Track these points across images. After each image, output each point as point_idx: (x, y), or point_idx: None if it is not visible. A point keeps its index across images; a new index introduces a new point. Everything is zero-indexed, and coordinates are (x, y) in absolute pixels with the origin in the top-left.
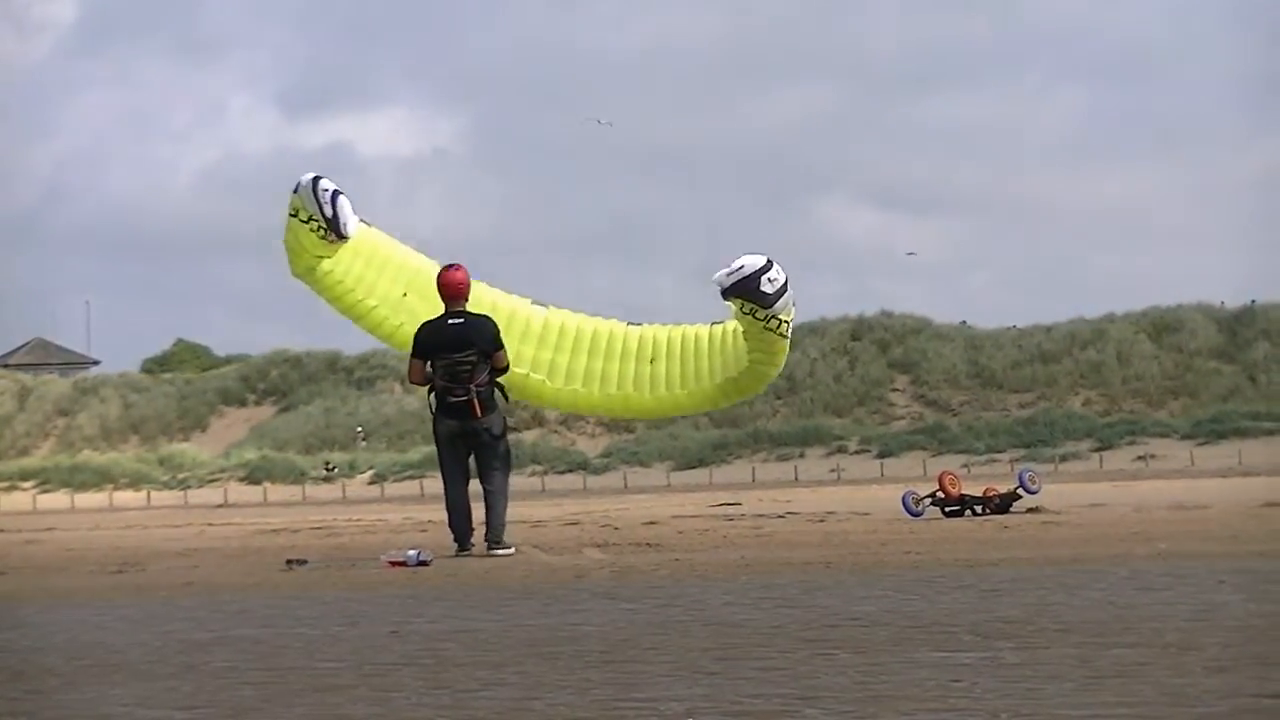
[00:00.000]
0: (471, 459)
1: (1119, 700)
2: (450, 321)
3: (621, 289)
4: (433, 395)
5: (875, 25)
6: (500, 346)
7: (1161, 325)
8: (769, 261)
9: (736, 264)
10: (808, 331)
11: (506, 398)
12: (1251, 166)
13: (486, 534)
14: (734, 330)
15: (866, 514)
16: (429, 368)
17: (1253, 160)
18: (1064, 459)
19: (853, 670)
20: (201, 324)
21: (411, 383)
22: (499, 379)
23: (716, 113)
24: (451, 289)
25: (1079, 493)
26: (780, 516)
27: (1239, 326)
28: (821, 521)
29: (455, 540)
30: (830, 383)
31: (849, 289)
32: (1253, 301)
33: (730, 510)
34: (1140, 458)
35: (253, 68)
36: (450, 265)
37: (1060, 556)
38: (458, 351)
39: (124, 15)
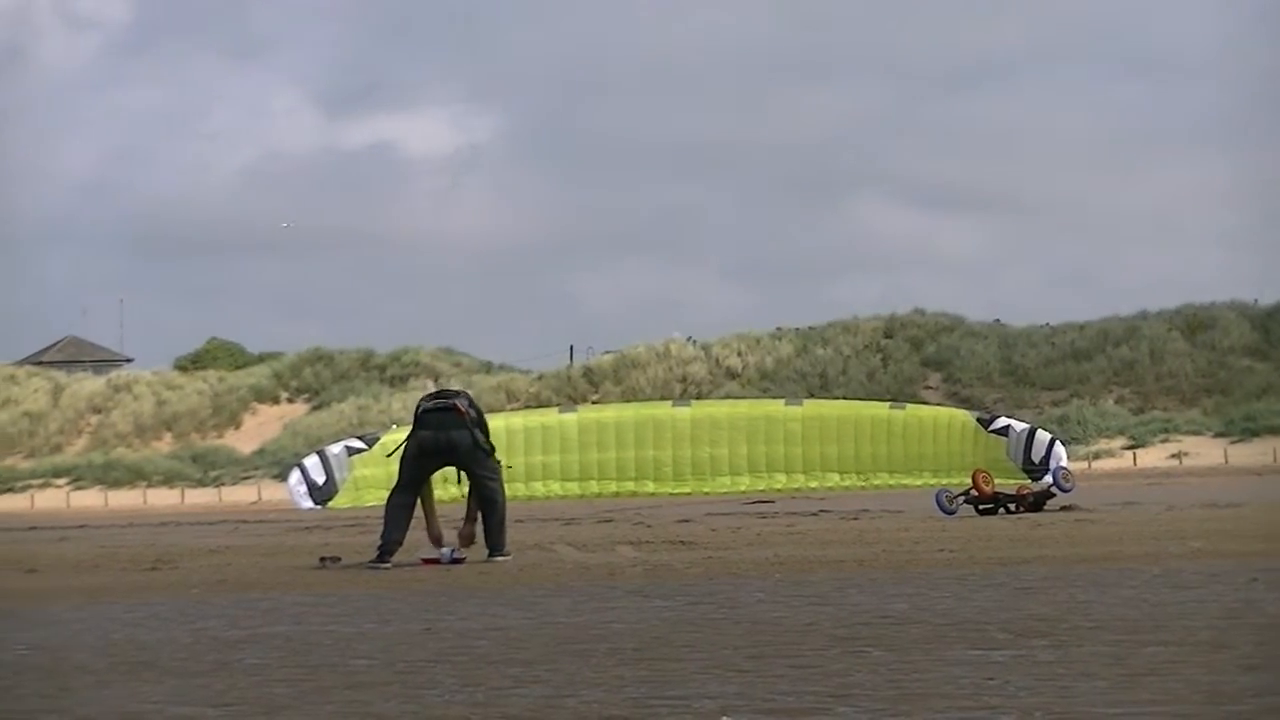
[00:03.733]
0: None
1: (1152, 698)
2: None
3: (660, 286)
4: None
5: (913, 25)
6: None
7: (1195, 323)
8: None
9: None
10: (841, 329)
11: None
12: None
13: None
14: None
15: (899, 512)
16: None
17: None
18: (1097, 457)
19: (885, 668)
20: (234, 322)
21: None
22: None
23: (756, 111)
24: None
25: (1112, 491)
26: (813, 514)
27: (1272, 324)
28: (855, 519)
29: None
30: (863, 380)
31: (884, 287)
32: None
33: (763, 508)
34: (1173, 456)
35: (295, 67)
36: None
37: (1093, 554)
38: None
39: (170, 14)
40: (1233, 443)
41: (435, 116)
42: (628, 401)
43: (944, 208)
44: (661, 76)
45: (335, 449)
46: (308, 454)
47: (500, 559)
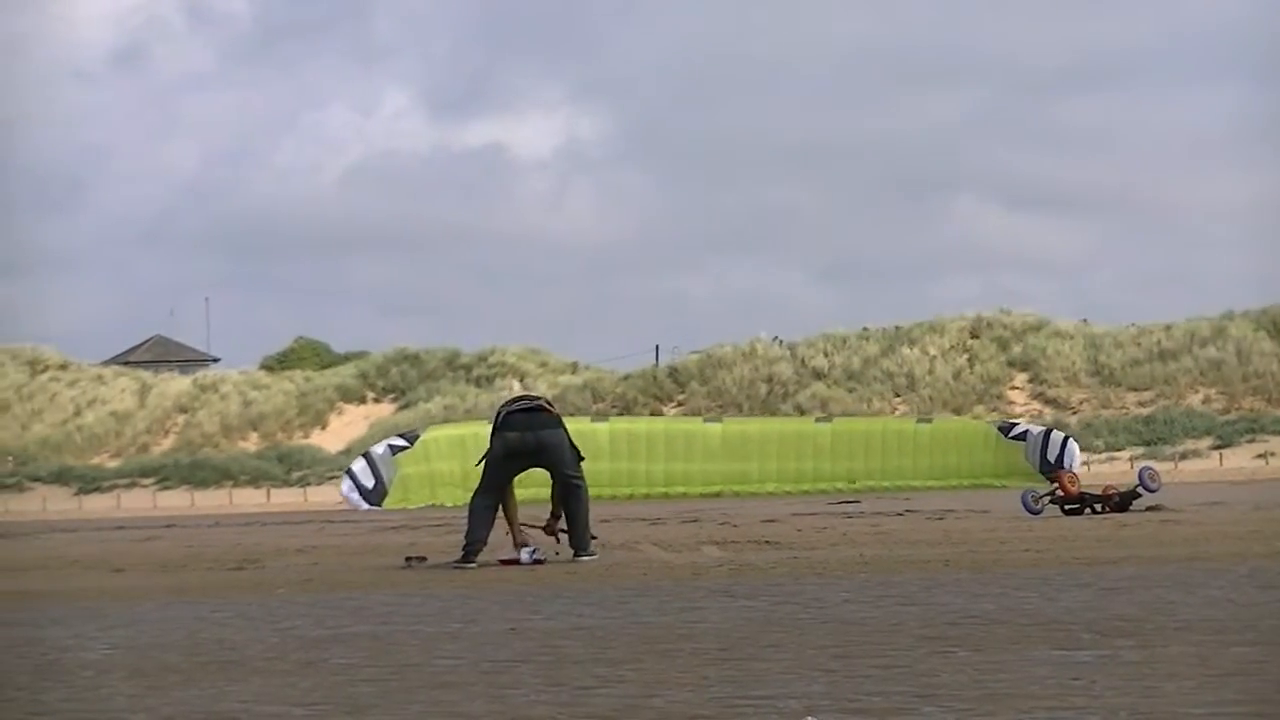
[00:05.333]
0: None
1: (1238, 698)
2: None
3: (751, 287)
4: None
5: (1010, 28)
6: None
7: None
8: None
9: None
10: (927, 329)
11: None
12: None
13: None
14: None
15: (985, 512)
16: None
17: None
18: (1183, 457)
19: (971, 668)
20: (320, 322)
21: None
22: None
23: (854, 111)
24: None
25: (1198, 491)
26: (899, 514)
27: None
28: (940, 520)
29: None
30: (949, 380)
31: (980, 287)
32: None
33: (849, 508)
34: (1260, 456)
35: (405, 70)
36: None
37: (1179, 555)
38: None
39: (289, 16)
40: None
41: (540, 118)
42: (714, 402)
43: (1037, 207)
44: (761, 77)
45: (379, 449)
46: (355, 459)
47: (585, 559)
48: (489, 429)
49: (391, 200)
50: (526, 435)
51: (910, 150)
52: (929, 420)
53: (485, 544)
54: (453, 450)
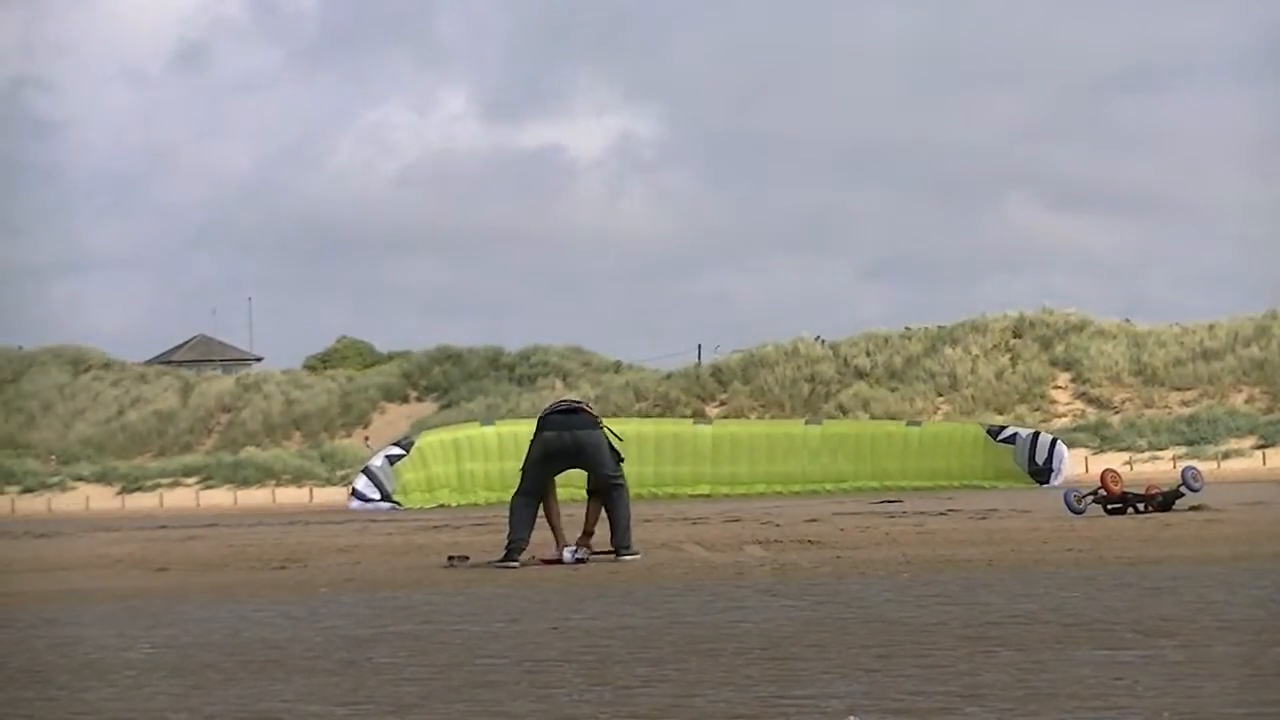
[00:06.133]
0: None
1: None
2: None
3: (799, 286)
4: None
5: (1066, 27)
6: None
7: None
8: None
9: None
10: (969, 329)
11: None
12: None
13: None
14: None
15: (1028, 511)
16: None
17: None
18: (1226, 456)
19: (1013, 668)
20: (365, 322)
21: None
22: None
23: (907, 111)
24: None
25: (1241, 490)
26: (941, 514)
27: None
28: (983, 519)
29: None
30: (992, 379)
31: (1026, 286)
32: None
33: (891, 508)
34: None
35: (462, 71)
36: None
37: (1222, 554)
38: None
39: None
40: None
41: (593, 120)
42: (756, 401)
43: (1083, 208)
44: (813, 77)
45: (377, 461)
46: (357, 475)
47: (628, 558)
48: (481, 431)
49: (442, 201)
50: (564, 434)
51: (960, 150)
52: (918, 424)
53: (527, 543)
54: (447, 454)
